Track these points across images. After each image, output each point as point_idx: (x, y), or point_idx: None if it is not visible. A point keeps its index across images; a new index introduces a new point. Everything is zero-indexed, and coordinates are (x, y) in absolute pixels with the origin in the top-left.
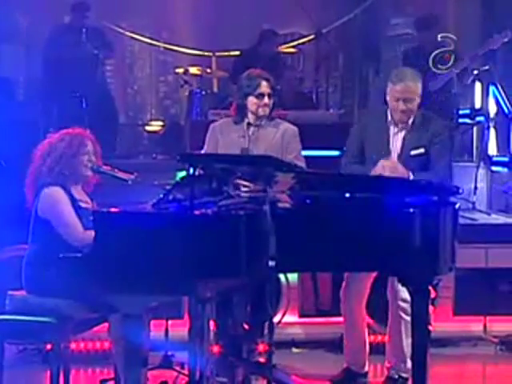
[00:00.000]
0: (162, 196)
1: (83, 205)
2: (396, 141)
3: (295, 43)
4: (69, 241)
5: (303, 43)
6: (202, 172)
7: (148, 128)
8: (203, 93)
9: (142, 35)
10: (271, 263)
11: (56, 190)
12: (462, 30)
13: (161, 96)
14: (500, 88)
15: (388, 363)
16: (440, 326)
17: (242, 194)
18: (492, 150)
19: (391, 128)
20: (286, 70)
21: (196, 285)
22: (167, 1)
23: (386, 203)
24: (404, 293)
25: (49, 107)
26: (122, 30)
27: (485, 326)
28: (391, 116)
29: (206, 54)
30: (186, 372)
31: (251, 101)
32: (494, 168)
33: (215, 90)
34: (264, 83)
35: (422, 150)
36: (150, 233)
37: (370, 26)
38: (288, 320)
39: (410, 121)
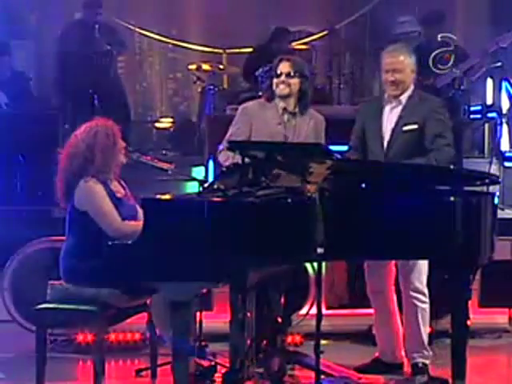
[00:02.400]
0: (207, 185)
1: (119, 195)
2: (390, 118)
3: (308, 39)
4: (107, 231)
5: (315, 40)
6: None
7: (158, 125)
8: (216, 89)
9: (151, 32)
10: (320, 250)
11: (93, 182)
12: (470, 29)
13: (170, 93)
14: None
15: (408, 350)
16: None
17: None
18: (504, 145)
19: (386, 107)
20: None
21: (245, 272)
22: None
23: (429, 192)
24: (417, 283)
25: (64, 103)
26: (132, 27)
27: (510, 318)
28: (387, 94)
29: (216, 50)
30: (219, 361)
31: (274, 82)
32: (506, 163)
33: (225, 86)
34: (283, 63)
35: (414, 126)
36: (200, 220)
37: (377, 24)
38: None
39: (404, 97)
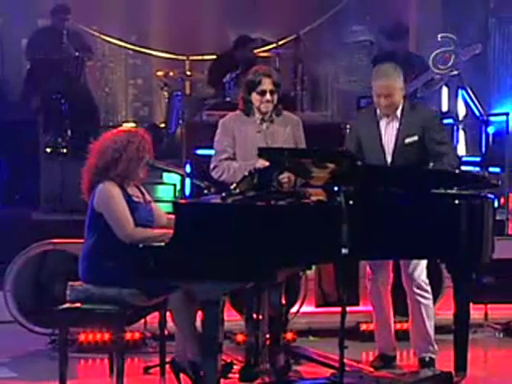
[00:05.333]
0: (231, 189)
1: (136, 199)
2: (389, 132)
3: (271, 46)
4: (118, 236)
5: (278, 47)
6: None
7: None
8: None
9: (114, 38)
10: (344, 251)
11: (111, 185)
12: (423, 39)
13: (131, 99)
14: (470, 91)
15: (415, 347)
16: (445, 313)
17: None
18: (461, 150)
19: (381, 121)
20: None
21: (275, 271)
22: (138, 5)
23: (439, 195)
24: (420, 281)
25: (36, 109)
26: (97, 34)
27: (485, 314)
28: (380, 110)
29: (179, 57)
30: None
31: (254, 97)
32: (463, 168)
33: (187, 92)
34: (266, 80)
35: (415, 138)
36: (232, 223)
37: (332, 33)
38: (305, 310)
39: (399, 111)
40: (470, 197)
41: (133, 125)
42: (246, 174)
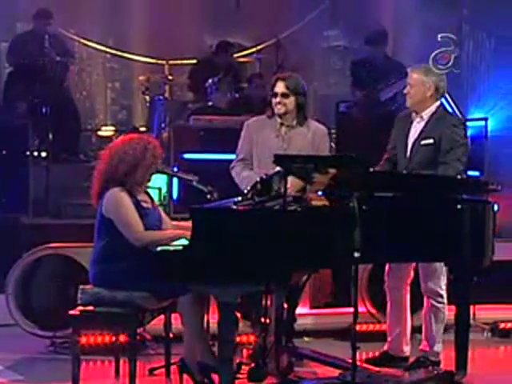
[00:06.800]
0: (243, 195)
1: (145, 204)
2: (415, 132)
3: (252, 51)
4: (129, 240)
5: (259, 51)
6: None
7: (100, 133)
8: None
9: (93, 42)
10: (356, 254)
11: (119, 191)
12: (397, 44)
13: (109, 102)
14: (449, 97)
15: (422, 345)
16: None
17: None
18: None
19: (413, 122)
20: (252, 76)
21: (290, 274)
22: (117, 8)
23: (445, 200)
24: (432, 286)
25: (21, 112)
26: (76, 37)
27: (474, 314)
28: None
29: (159, 62)
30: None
31: (272, 101)
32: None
33: (167, 95)
34: (278, 83)
35: (430, 141)
36: (248, 228)
37: (306, 38)
38: (300, 311)
39: (426, 114)
40: (473, 201)
41: (112, 128)
42: (258, 179)
